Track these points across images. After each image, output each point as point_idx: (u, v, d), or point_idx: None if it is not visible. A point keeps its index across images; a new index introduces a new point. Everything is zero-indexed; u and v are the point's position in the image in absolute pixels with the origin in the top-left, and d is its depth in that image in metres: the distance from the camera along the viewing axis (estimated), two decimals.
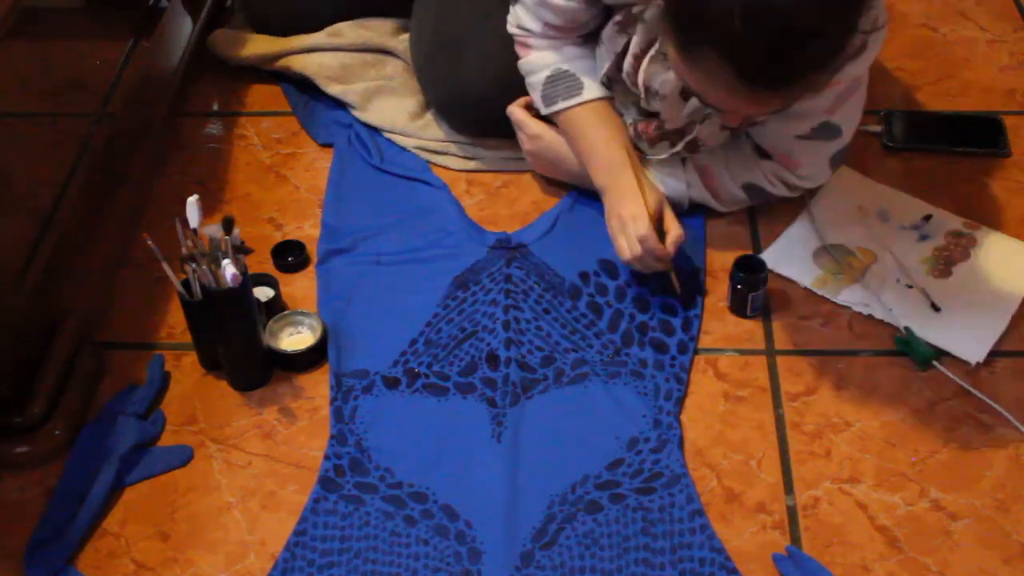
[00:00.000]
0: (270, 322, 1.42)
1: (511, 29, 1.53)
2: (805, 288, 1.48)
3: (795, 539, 1.23)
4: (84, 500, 1.26)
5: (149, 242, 1.32)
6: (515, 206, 1.61)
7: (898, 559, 1.22)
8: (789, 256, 1.51)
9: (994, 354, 1.40)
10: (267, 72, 1.81)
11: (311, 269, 1.53)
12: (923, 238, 1.53)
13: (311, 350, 1.40)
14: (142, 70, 1.73)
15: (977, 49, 1.85)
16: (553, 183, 1.62)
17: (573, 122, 1.51)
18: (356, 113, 1.72)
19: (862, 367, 1.40)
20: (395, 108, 1.71)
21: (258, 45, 1.81)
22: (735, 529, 1.24)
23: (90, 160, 1.55)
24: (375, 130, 1.70)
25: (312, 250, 1.55)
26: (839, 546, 1.23)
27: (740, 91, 1.17)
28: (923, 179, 1.62)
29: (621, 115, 1.52)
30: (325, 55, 1.77)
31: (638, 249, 1.40)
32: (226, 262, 1.29)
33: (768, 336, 1.43)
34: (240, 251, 1.32)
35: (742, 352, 1.42)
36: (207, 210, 1.37)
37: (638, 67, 1.42)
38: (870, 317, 1.44)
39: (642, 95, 1.45)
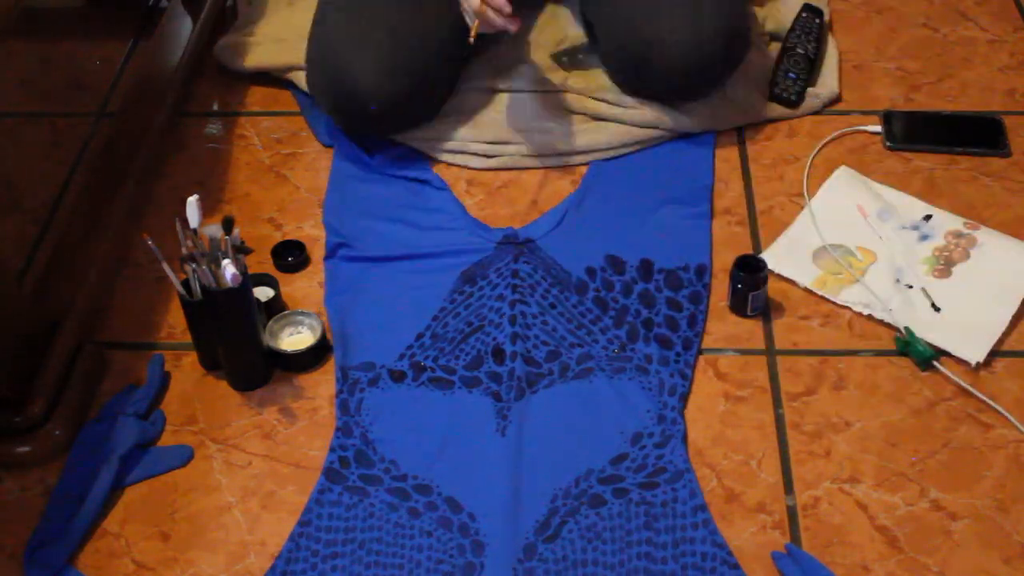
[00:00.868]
0: (270, 322, 1.42)
1: None
2: (805, 288, 1.48)
3: (795, 539, 1.23)
4: (84, 500, 1.26)
5: (149, 242, 1.32)
6: (515, 206, 1.61)
7: (898, 559, 1.22)
8: (789, 256, 1.51)
9: (994, 354, 1.40)
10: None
11: (311, 269, 1.53)
12: (923, 238, 1.53)
13: (311, 350, 1.40)
14: (142, 70, 1.72)
15: (977, 49, 1.85)
16: (553, 183, 1.63)
17: None
18: None
19: (862, 367, 1.40)
20: None
21: (264, 56, 1.81)
22: (735, 529, 1.24)
23: (90, 160, 1.55)
24: None
25: (312, 250, 1.55)
26: (839, 546, 1.23)
27: None
28: (923, 179, 1.62)
29: None
30: None
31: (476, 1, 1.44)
32: (226, 262, 1.29)
33: (768, 336, 1.43)
34: (240, 251, 1.32)
35: (742, 352, 1.42)
36: (207, 210, 1.37)
37: None
38: (870, 317, 1.44)
39: None
